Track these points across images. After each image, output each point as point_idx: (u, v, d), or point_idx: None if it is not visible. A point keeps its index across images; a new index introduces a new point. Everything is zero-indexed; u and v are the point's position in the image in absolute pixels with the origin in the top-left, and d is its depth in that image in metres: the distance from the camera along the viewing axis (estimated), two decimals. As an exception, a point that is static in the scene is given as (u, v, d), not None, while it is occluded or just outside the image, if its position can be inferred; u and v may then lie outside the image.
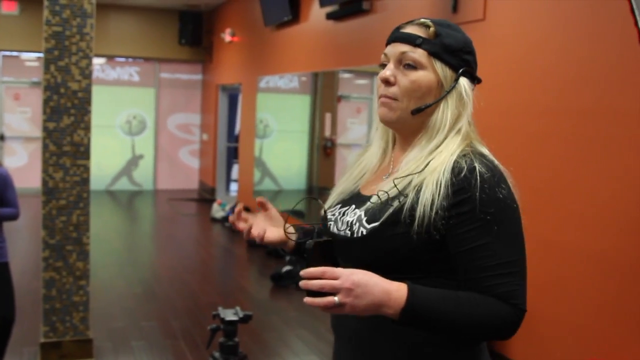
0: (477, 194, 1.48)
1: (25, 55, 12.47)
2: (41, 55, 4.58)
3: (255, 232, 1.78)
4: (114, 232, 9.63)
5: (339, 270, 1.41)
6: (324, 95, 9.07)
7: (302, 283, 1.42)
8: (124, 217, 11.35)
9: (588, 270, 3.96)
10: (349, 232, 1.60)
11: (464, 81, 1.64)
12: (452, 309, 1.45)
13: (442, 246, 1.52)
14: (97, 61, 12.91)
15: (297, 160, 10.06)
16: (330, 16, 7.31)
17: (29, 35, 11.52)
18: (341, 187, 1.77)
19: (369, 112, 9.72)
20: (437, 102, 1.61)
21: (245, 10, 10.90)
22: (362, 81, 9.84)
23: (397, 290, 1.43)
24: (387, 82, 1.62)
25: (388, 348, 1.59)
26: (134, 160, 13.67)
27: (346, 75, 9.52)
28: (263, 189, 10.64)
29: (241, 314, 2.95)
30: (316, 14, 7.94)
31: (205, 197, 12.93)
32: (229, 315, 2.84)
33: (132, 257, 8.13)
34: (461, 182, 1.49)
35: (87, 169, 4.55)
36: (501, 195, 1.51)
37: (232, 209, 10.30)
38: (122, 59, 13.34)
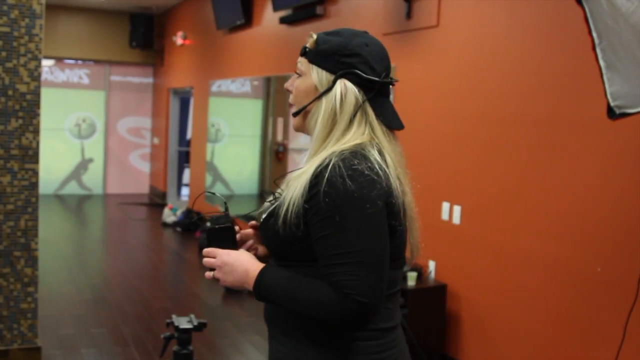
0: (324, 189, 1.60)
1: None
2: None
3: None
4: (63, 237, 9.46)
5: (217, 251, 1.76)
6: (276, 99, 9.05)
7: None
8: (73, 221, 11.16)
9: (543, 278, 4.00)
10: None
11: (342, 83, 1.72)
12: (288, 291, 1.64)
13: (307, 238, 1.66)
14: (46, 63, 12.69)
15: (249, 164, 10.02)
16: (283, 20, 7.30)
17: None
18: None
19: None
20: (310, 104, 1.76)
21: (197, 13, 10.82)
22: (314, 86, 9.82)
23: (254, 270, 1.70)
24: (288, 91, 1.84)
25: (281, 336, 1.80)
26: (84, 164, 13.46)
27: (299, 80, 9.50)
28: (214, 193, 10.55)
29: (195, 322, 2.91)
30: (269, 18, 7.91)
31: (156, 201, 12.80)
32: (183, 323, 2.80)
33: (81, 263, 7.99)
34: (315, 179, 1.63)
35: (35, 173, 4.45)
36: (350, 189, 1.59)
37: (184, 214, 10.21)
38: (72, 61, 13.13)
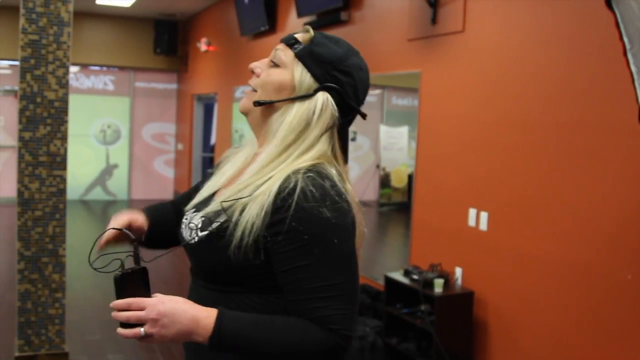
0: (295, 214, 1.43)
1: (-3, 63, 12.31)
2: (14, 62, 4.52)
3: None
4: (89, 243, 9.48)
5: (146, 301, 1.42)
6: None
7: (113, 314, 1.43)
8: (99, 227, 11.22)
9: (569, 283, 3.96)
10: (190, 238, 1.62)
11: (324, 97, 1.56)
12: (262, 334, 1.43)
13: (265, 266, 1.50)
14: (72, 69, 12.69)
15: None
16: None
17: (1, 43, 11.38)
18: (202, 191, 1.75)
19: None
20: (279, 102, 1.59)
21: (221, 20, 10.86)
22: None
23: (206, 317, 1.43)
24: (252, 72, 1.67)
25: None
26: (108, 170, 13.54)
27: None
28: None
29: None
30: (293, 24, 7.92)
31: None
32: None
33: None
34: (280, 203, 1.45)
35: (63, 179, 4.48)
36: (325, 216, 1.44)
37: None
38: (97, 68, 13.23)
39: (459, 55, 4.93)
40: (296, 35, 1.63)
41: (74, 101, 11.49)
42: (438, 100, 5.14)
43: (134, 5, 11.33)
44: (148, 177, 13.79)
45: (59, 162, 4.46)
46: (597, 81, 3.80)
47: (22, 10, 4.33)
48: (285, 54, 1.61)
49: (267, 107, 1.61)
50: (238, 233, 1.47)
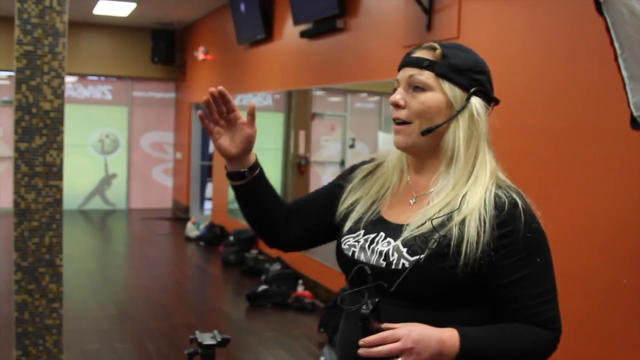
0: (521, 227, 1.56)
1: (-6, 74, 12.31)
2: (10, 73, 4.52)
3: (215, 131, 1.81)
4: (87, 253, 9.51)
5: (398, 333, 1.46)
6: (298, 113, 9.06)
7: (363, 352, 1.47)
8: (97, 237, 11.23)
9: (566, 287, 3.95)
10: (383, 263, 1.61)
11: (475, 101, 1.66)
12: (499, 343, 1.55)
13: (482, 278, 1.58)
14: (69, 80, 12.80)
15: (271, 177, 9.98)
16: (304, 34, 7.31)
17: (-1, 54, 11.41)
18: (360, 208, 1.76)
19: (343, 129, 9.72)
20: (447, 122, 1.64)
21: (218, 28, 10.88)
22: (335, 99, 9.82)
23: (450, 338, 1.50)
24: (397, 106, 1.66)
25: None
26: (107, 180, 13.56)
27: (320, 93, 9.51)
28: (237, 207, 10.58)
29: (219, 338, 2.90)
30: (290, 32, 7.93)
31: (179, 216, 12.84)
32: (207, 339, 2.80)
33: (105, 278, 8.03)
34: (505, 216, 1.57)
35: (59, 189, 4.48)
36: (540, 227, 1.63)
37: (207, 228, 10.23)
38: (95, 78, 13.25)
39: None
40: (420, 55, 1.67)
41: (72, 111, 11.52)
42: (434, 106, 5.14)
43: (131, 14, 11.35)
44: (147, 186, 13.80)
45: (55, 172, 4.46)
46: (593, 87, 3.80)
47: (17, 22, 4.33)
48: (424, 76, 1.64)
49: (436, 132, 1.65)
50: (464, 248, 1.54)
